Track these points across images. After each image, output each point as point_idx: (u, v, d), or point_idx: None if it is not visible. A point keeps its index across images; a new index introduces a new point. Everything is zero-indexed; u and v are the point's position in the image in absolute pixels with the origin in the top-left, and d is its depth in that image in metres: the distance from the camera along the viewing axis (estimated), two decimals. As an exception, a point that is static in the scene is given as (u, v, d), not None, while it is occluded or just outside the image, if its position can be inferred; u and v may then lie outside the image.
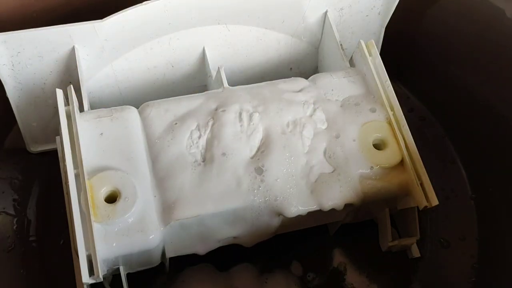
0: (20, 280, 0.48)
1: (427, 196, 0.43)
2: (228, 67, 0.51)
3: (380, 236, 0.50)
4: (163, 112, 0.44)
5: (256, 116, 0.44)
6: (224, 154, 0.42)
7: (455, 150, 0.57)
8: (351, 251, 0.51)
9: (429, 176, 0.43)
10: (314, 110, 0.45)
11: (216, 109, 0.44)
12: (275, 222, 0.43)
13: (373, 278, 0.50)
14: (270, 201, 0.42)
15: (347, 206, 0.43)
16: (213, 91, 0.46)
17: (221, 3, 0.48)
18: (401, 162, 0.44)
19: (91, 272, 0.38)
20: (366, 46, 0.47)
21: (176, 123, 0.44)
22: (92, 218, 0.38)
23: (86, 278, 0.37)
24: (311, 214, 0.42)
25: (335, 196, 0.42)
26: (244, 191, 0.42)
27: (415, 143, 0.44)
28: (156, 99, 0.45)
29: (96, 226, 0.39)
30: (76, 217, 0.38)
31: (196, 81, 0.53)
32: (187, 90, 0.51)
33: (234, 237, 0.44)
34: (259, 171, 0.42)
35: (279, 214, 0.42)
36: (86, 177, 0.40)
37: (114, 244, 0.39)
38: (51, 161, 0.51)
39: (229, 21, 0.50)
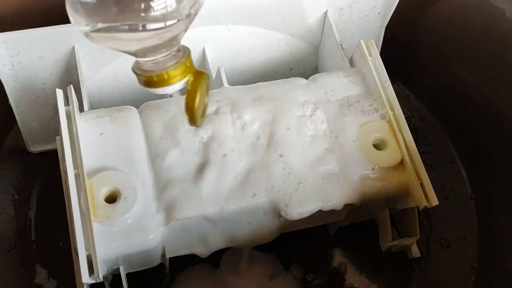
0: (20, 280, 0.48)
1: (427, 196, 0.43)
2: (228, 67, 0.51)
3: (380, 236, 0.50)
4: (163, 112, 0.44)
5: (257, 116, 0.44)
6: (224, 154, 0.42)
7: (455, 150, 0.57)
8: (351, 251, 0.51)
9: (429, 176, 0.43)
10: (314, 110, 0.45)
11: (216, 109, 0.44)
12: (276, 223, 0.43)
13: (373, 278, 0.50)
14: (270, 201, 0.42)
15: (347, 206, 0.43)
16: (213, 91, 0.46)
17: (221, 3, 0.48)
18: (401, 162, 0.44)
19: (91, 272, 0.38)
20: (366, 46, 0.47)
21: (176, 123, 0.44)
22: (92, 218, 0.38)
23: (86, 278, 0.37)
24: (311, 214, 0.42)
25: (335, 196, 0.42)
26: (244, 192, 0.41)
27: (415, 143, 0.44)
28: (156, 99, 0.45)
29: (96, 226, 0.39)
30: (76, 217, 0.38)
31: (196, 81, 0.53)
32: (187, 90, 0.51)
33: (235, 239, 0.44)
34: (260, 171, 0.42)
35: (280, 215, 0.42)
36: (86, 177, 0.40)
37: (114, 244, 0.39)
38: (51, 161, 0.52)
39: (229, 21, 0.50)
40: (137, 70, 0.36)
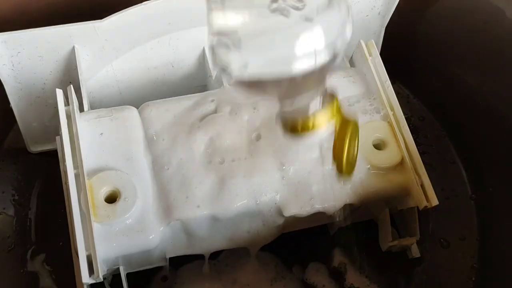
0: (20, 280, 0.48)
1: (427, 196, 0.43)
2: (228, 67, 0.51)
3: (380, 236, 0.50)
4: (163, 112, 0.44)
5: (256, 116, 0.44)
6: (224, 154, 0.42)
7: (455, 150, 0.57)
8: (351, 251, 0.51)
9: (429, 176, 0.43)
10: (314, 110, 0.45)
11: (216, 109, 0.44)
12: (276, 223, 0.43)
13: (373, 278, 0.50)
14: (269, 202, 0.42)
15: (347, 206, 0.43)
16: (213, 91, 0.46)
17: (221, 3, 0.48)
18: (401, 162, 0.44)
19: (91, 272, 0.38)
20: (366, 46, 0.47)
21: (176, 123, 0.44)
22: (92, 218, 0.39)
23: (86, 278, 0.37)
24: (311, 214, 0.42)
25: (335, 196, 0.42)
26: (244, 192, 0.41)
27: (415, 143, 0.44)
28: (156, 99, 0.45)
29: (96, 226, 0.39)
30: (76, 217, 0.38)
31: (196, 81, 0.53)
32: (187, 90, 0.51)
33: (235, 240, 0.44)
34: (259, 172, 0.42)
35: (280, 215, 0.42)
36: (86, 177, 0.40)
37: (114, 244, 0.39)
38: (51, 161, 0.51)
39: (229, 21, 0.50)
40: (281, 117, 0.34)
